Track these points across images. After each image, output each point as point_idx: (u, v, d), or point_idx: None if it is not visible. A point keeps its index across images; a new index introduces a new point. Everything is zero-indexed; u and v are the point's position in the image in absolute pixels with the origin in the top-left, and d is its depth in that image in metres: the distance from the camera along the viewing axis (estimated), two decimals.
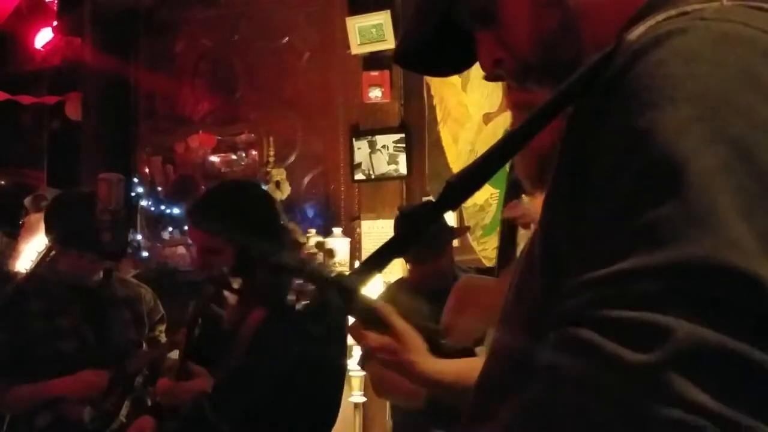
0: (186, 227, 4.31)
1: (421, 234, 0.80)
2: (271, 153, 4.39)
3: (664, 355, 0.46)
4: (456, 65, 0.87)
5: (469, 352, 1.52)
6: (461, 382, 1.19)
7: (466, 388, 1.18)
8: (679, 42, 0.55)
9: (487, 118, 3.99)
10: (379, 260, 0.75)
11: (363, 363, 2.18)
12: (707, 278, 0.47)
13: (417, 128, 4.20)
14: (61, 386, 2.39)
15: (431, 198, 2.90)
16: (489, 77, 0.77)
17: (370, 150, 4.18)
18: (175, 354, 2.30)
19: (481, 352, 1.51)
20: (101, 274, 2.59)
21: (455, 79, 4.02)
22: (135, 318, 2.62)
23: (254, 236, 2.07)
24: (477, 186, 0.69)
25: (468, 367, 1.21)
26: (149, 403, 2.47)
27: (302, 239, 2.26)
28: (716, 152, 0.50)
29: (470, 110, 4.06)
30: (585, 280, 0.52)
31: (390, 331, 1.22)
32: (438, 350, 1.30)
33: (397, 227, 2.79)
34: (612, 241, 0.52)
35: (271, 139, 4.44)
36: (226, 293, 2.04)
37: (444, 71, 0.92)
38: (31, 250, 3.79)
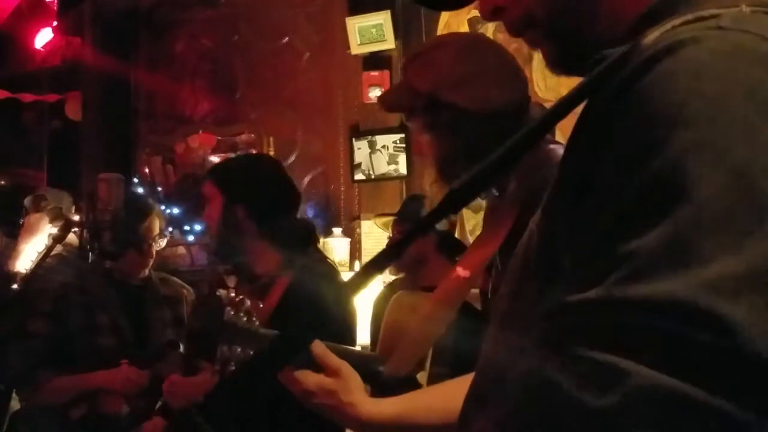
0: (187, 227, 4.32)
1: (421, 237, 0.79)
2: (271, 153, 4.38)
3: (619, 400, 0.46)
4: (453, 1, 0.83)
5: (410, 382, 1.42)
6: (401, 421, 1.14)
7: (406, 428, 1.15)
8: (691, 53, 0.54)
9: None
10: (380, 262, 0.75)
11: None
12: (673, 319, 0.47)
13: None
14: (103, 379, 2.45)
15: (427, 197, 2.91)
16: (487, 20, 0.75)
17: (370, 150, 4.18)
18: None
19: (423, 378, 1.43)
20: (145, 273, 2.66)
21: None
22: (175, 318, 2.65)
23: (246, 195, 2.10)
24: (478, 192, 0.69)
25: (407, 407, 1.16)
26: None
27: (314, 242, 2.26)
28: (715, 181, 0.49)
29: None
30: (561, 303, 0.52)
31: (325, 371, 1.14)
32: (376, 382, 1.24)
33: (395, 230, 2.79)
34: (596, 262, 0.52)
35: (271, 139, 4.44)
36: (222, 292, 2.05)
37: (440, 4, 0.89)
38: (31, 250, 3.79)
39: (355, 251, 4.10)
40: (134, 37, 5.04)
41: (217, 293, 2.03)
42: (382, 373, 1.28)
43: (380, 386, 1.23)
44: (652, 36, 0.58)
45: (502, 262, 1.34)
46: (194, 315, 2.56)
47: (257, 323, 1.31)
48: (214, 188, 2.10)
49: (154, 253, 2.69)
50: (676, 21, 0.58)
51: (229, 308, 1.19)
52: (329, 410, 1.15)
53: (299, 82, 4.54)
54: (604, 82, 0.59)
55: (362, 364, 1.21)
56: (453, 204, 0.70)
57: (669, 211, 0.49)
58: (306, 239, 2.12)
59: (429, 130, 1.44)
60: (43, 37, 5.34)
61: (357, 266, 4.04)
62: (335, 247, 4.01)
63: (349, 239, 4.09)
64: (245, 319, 1.26)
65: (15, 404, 2.94)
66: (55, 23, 5.27)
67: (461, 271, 1.34)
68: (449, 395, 1.20)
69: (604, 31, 0.65)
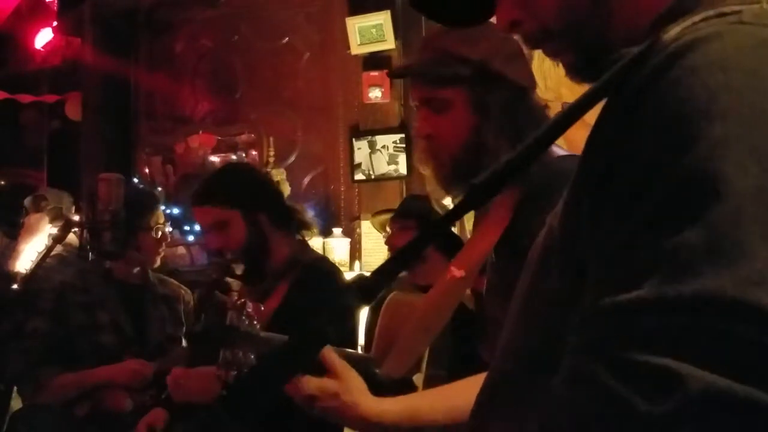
0: (187, 227, 4.32)
1: (439, 237, 0.78)
2: (271, 153, 4.38)
3: (675, 406, 0.45)
4: (469, 16, 0.83)
5: (407, 384, 1.40)
6: (404, 421, 1.14)
7: (410, 428, 1.15)
8: (716, 47, 0.53)
9: None
10: (401, 261, 0.74)
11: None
12: (723, 315, 0.46)
13: None
14: (107, 373, 2.45)
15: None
16: (503, 32, 0.75)
17: (370, 150, 4.18)
18: None
19: (419, 380, 1.41)
20: (157, 261, 2.69)
21: None
22: (173, 316, 2.66)
23: (261, 201, 2.12)
24: (498, 188, 0.68)
25: (411, 406, 1.16)
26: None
27: (314, 226, 2.28)
28: (751, 176, 0.48)
29: None
30: (603, 305, 0.51)
31: (328, 374, 1.14)
32: (374, 383, 1.23)
33: (394, 228, 2.79)
34: (633, 262, 0.51)
35: (271, 139, 4.43)
36: (229, 280, 2.05)
37: (455, 20, 0.88)
38: (31, 250, 3.79)
39: (355, 251, 4.10)
40: (134, 38, 5.04)
41: (218, 295, 2.02)
42: (379, 375, 1.28)
43: (376, 388, 1.22)
44: (672, 32, 0.57)
45: (496, 261, 1.32)
46: (196, 318, 2.56)
47: (258, 326, 1.30)
48: (226, 211, 2.09)
49: (168, 236, 2.71)
50: (697, 17, 0.57)
51: (231, 312, 1.19)
52: (332, 412, 1.14)
53: (299, 82, 4.54)
54: (624, 78, 0.58)
55: (358, 366, 1.21)
56: (474, 201, 0.69)
57: (707, 207, 0.48)
58: (307, 227, 2.19)
59: (471, 104, 1.35)
60: (43, 38, 5.34)
61: (357, 266, 4.05)
62: (335, 247, 4.01)
63: (349, 239, 4.09)
64: (247, 322, 1.25)
65: (15, 404, 2.94)
66: (55, 23, 5.27)
67: (456, 272, 1.32)
68: (452, 396, 1.19)
69: (621, 36, 0.65)
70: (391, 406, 1.15)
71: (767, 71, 0.52)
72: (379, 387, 1.23)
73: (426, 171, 1.43)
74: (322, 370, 1.14)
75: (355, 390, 1.14)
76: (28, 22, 5.36)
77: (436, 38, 1.41)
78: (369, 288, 0.71)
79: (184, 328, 2.69)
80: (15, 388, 2.84)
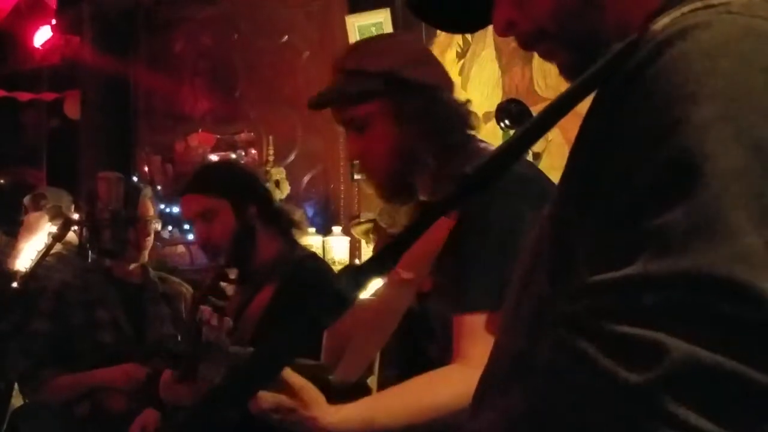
0: (187, 226, 4.32)
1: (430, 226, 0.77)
2: (271, 152, 4.38)
3: (658, 375, 0.46)
4: (467, 22, 0.83)
5: (361, 388, 1.40)
6: (364, 428, 1.15)
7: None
8: (703, 36, 0.54)
9: (487, 116, 3.98)
10: (394, 251, 0.74)
11: None
12: (709, 291, 0.47)
13: None
14: (104, 376, 2.46)
15: None
16: (500, 35, 0.76)
17: None
18: None
19: (373, 382, 1.41)
20: (144, 257, 2.68)
21: (455, 77, 4.01)
22: (174, 315, 2.66)
23: (251, 194, 2.11)
24: (492, 180, 0.68)
25: (368, 412, 1.17)
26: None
27: (304, 225, 2.28)
28: (736, 156, 0.49)
29: None
30: (590, 283, 0.52)
31: (284, 389, 1.13)
32: (328, 390, 1.23)
33: (380, 236, 2.78)
34: (620, 241, 0.52)
35: (271, 138, 4.43)
36: (224, 284, 2.05)
37: (453, 26, 0.88)
38: (30, 249, 3.78)
39: (354, 250, 4.09)
40: (133, 36, 5.04)
41: (213, 301, 2.02)
42: (332, 382, 1.28)
43: (331, 395, 1.21)
44: (661, 22, 0.58)
45: (442, 260, 1.30)
46: (196, 307, 2.55)
47: (228, 341, 1.30)
48: (215, 200, 2.09)
49: (151, 231, 2.68)
50: (685, 8, 0.59)
51: (205, 328, 1.19)
52: (293, 426, 1.15)
53: (299, 80, 4.54)
54: (614, 68, 0.59)
55: (311, 374, 1.20)
56: (467, 192, 0.69)
57: (692, 187, 0.49)
58: (297, 225, 2.20)
59: (389, 115, 1.35)
60: (42, 36, 5.33)
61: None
62: (335, 246, 4.01)
63: (348, 238, 4.09)
64: (223, 337, 1.26)
65: (16, 401, 2.94)
66: (53, 21, 5.26)
67: (404, 273, 1.30)
68: (407, 398, 1.21)
69: (615, 35, 0.65)
70: (348, 415, 1.16)
71: (754, 58, 0.53)
72: (334, 393, 1.23)
73: (369, 190, 1.44)
74: (279, 383, 1.13)
75: (313, 403, 1.15)
76: (26, 20, 5.35)
77: (343, 58, 1.42)
78: (353, 289, 0.71)
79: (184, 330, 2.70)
80: (16, 385, 2.85)
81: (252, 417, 1.09)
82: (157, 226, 2.79)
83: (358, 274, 0.69)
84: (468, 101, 1.46)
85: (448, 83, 1.44)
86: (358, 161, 1.45)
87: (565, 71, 0.73)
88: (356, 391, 1.31)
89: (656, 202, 0.50)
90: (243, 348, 1.30)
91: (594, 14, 0.67)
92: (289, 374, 1.14)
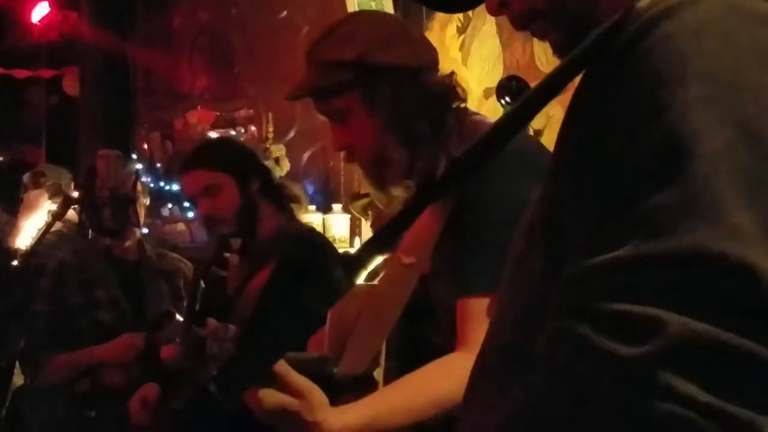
0: (187, 204, 4.32)
1: (422, 211, 0.77)
2: (270, 129, 4.36)
3: (656, 349, 0.46)
4: (461, 1, 0.82)
5: (367, 381, 1.34)
6: (370, 430, 1.12)
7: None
8: (690, 14, 0.54)
9: (488, 92, 3.96)
10: (385, 238, 0.74)
11: None
12: (703, 268, 0.47)
13: None
14: (102, 352, 2.47)
15: None
16: (492, 14, 0.75)
17: None
18: None
19: (379, 374, 1.35)
20: (137, 235, 2.66)
21: (455, 53, 3.98)
22: (172, 291, 2.66)
23: (253, 168, 2.12)
24: (482, 163, 0.68)
25: (371, 414, 1.14)
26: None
27: (303, 200, 2.28)
28: (723, 135, 0.50)
29: (470, 85, 4.03)
30: (583, 267, 0.52)
31: (287, 390, 1.08)
32: (331, 385, 1.17)
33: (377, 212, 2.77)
34: (611, 225, 0.52)
35: (270, 115, 4.41)
36: (228, 255, 2.05)
37: (448, 5, 0.87)
38: (30, 227, 3.78)
39: (355, 227, 4.09)
40: (131, 11, 5.00)
41: (217, 271, 2.01)
42: (336, 376, 1.23)
43: (335, 389, 1.17)
44: (646, 1, 0.58)
45: (440, 243, 1.27)
46: (198, 279, 2.53)
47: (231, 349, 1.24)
48: (218, 174, 2.09)
49: (143, 207, 2.67)
50: None
51: (209, 342, 1.13)
52: (293, 429, 1.11)
53: (298, 57, 4.49)
54: (600, 48, 0.59)
55: (313, 367, 1.16)
56: (458, 175, 0.69)
57: (682, 168, 0.49)
58: (297, 200, 2.22)
59: (365, 105, 1.32)
60: (40, 12, 5.30)
61: (357, 242, 4.04)
62: (335, 223, 4.01)
63: (349, 216, 4.09)
64: (228, 346, 1.20)
65: (17, 380, 2.96)
66: None
67: (405, 258, 1.27)
68: (409, 392, 1.19)
69: (608, 13, 0.65)
70: (351, 420, 1.13)
71: (739, 37, 0.53)
72: (338, 388, 1.20)
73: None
74: (282, 383, 1.09)
75: (316, 407, 1.11)
76: None
77: (313, 49, 1.38)
78: (352, 270, 0.71)
79: (184, 303, 2.70)
80: (17, 364, 2.86)
81: (248, 411, 1.06)
82: (146, 201, 2.78)
83: (351, 262, 0.69)
84: (452, 74, 1.41)
85: (426, 59, 1.37)
86: (345, 152, 1.41)
87: (558, 51, 0.72)
88: (362, 384, 1.28)
89: (646, 184, 0.51)
90: None
91: None
92: (293, 375, 1.10)
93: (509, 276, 0.73)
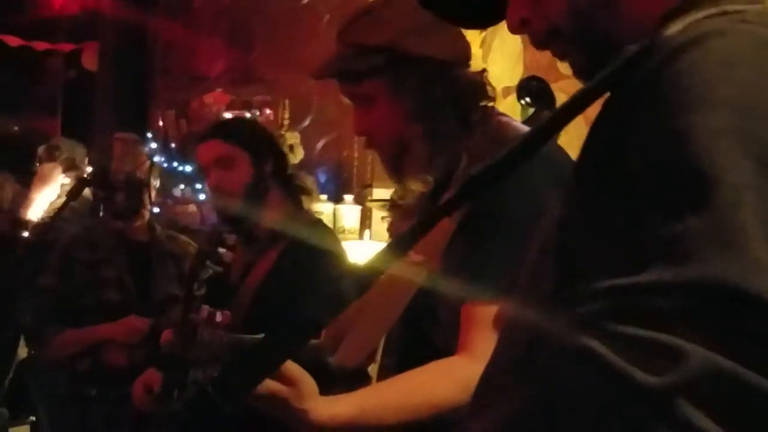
0: (199, 185, 4.32)
1: (433, 227, 0.77)
2: (286, 116, 4.35)
3: (677, 380, 0.46)
4: (481, 17, 0.82)
5: (360, 375, 1.33)
6: (356, 424, 1.11)
7: (366, 428, 1.12)
8: (717, 45, 0.54)
9: (506, 91, 3.94)
10: (395, 251, 0.74)
11: None
12: (726, 301, 0.47)
13: None
14: (106, 330, 2.49)
15: None
16: (513, 33, 0.76)
17: None
18: None
19: (374, 370, 1.34)
20: (146, 216, 2.68)
21: (476, 50, 3.96)
22: (180, 274, 2.67)
23: (270, 150, 2.12)
24: (498, 181, 0.68)
25: (362, 408, 1.12)
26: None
27: (314, 193, 2.28)
28: (750, 165, 0.50)
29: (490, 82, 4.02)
30: (603, 287, 0.52)
31: (278, 376, 1.07)
32: (325, 374, 1.16)
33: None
34: (634, 248, 0.52)
35: (287, 101, 4.41)
36: (222, 250, 2.03)
37: (468, 20, 0.87)
38: (43, 200, 3.80)
39: (365, 219, 4.09)
40: None
41: (211, 266, 2.00)
42: (331, 365, 1.22)
43: (328, 379, 1.16)
44: (674, 28, 0.59)
45: (453, 245, 1.25)
46: (196, 269, 2.54)
47: (226, 335, 1.22)
48: (236, 149, 2.09)
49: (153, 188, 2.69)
50: (700, 14, 0.59)
51: (201, 328, 1.12)
52: (282, 417, 1.11)
53: (318, 44, 4.49)
54: (626, 73, 0.59)
55: (309, 355, 1.15)
56: (473, 192, 0.69)
57: (708, 195, 0.49)
58: (307, 192, 2.21)
59: (391, 92, 1.29)
60: None
61: (367, 234, 4.04)
62: (345, 214, 4.01)
63: (360, 207, 4.08)
64: (221, 332, 1.18)
65: (21, 352, 2.99)
66: None
67: (414, 256, 1.23)
68: (405, 390, 1.17)
69: (629, 36, 0.65)
70: (341, 411, 1.12)
71: (766, 68, 0.53)
72: (331, 378, 1.18)
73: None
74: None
75: (305, 395, 1.10)
76: None
77: (346, 30, 1.34)
78: (361, 284, 0.71)
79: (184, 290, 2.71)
80: (22, 336, 2.89)
81: (245, 413, 1.06)
82: (156, 183, 2.79)
83: (360, 275, 0.69)
84: (483, 71, 1.37)
85: (459, 53, 1.34)
86: (364, 137, 1.38)
87: (578, 72, 0.72)
88: (355, 378, 1.27)
89: (670, 210, 0.50)
90: (239, 336, 1.23)
91: (607, 14, 0.67)
92: (286, 362, 1.09)
93: (522, 288, 0.73)
